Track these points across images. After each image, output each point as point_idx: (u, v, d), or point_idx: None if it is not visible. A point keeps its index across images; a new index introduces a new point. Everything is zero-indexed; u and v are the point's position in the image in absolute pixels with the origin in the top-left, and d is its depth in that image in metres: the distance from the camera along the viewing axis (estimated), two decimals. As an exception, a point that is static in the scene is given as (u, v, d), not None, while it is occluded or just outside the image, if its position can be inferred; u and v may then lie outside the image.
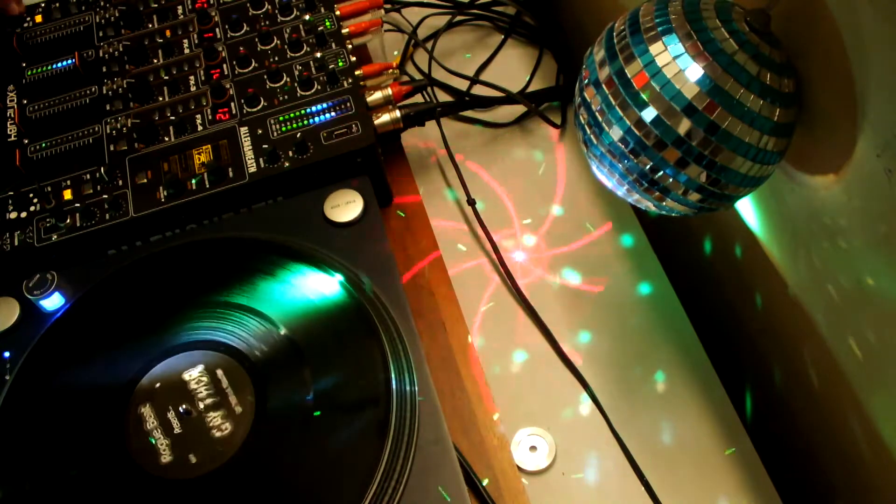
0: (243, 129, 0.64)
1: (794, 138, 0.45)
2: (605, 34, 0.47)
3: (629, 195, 0.48)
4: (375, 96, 0.67)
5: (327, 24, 0.70)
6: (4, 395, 0.53)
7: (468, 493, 0.49)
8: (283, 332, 0.54)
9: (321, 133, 0.63)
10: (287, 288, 0.56)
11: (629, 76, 0.44)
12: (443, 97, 0.80)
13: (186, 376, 0.53)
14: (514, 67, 0.82)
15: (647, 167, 0.44)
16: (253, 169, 0.62)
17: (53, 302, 0.57)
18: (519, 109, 0.78)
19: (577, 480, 0.58)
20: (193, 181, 0.62)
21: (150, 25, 0.72)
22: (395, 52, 0.83)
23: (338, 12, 0.71)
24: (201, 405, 0.52)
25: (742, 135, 0.42)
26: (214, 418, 0.51)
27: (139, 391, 0.53)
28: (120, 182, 0.63)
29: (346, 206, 0.60)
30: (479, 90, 0.80)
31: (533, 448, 0.59)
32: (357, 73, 0.67)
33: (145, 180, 0.62)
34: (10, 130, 0.66)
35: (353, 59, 0.68)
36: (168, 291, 0.58)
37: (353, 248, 0.58)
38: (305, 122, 0.64)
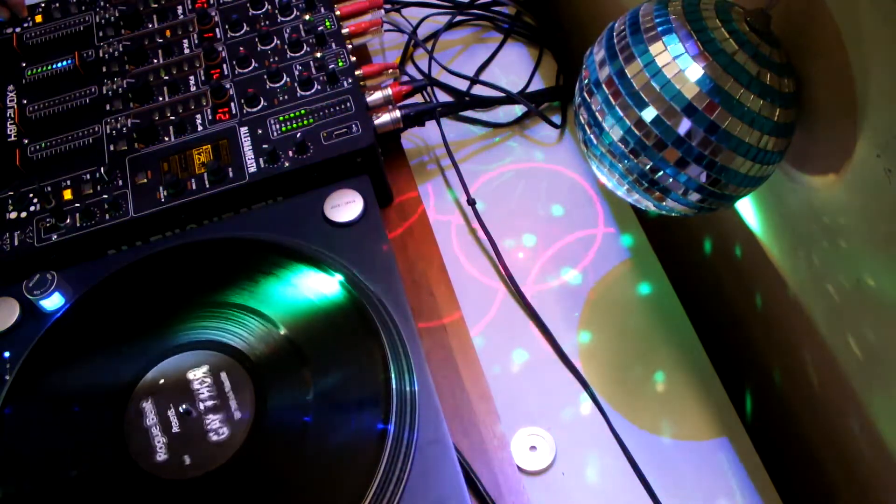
0: (243, 129, 0.64)
1: (794, 138, 0.45)
2: (605, 34, 0.47)
3: (629, 195, 0.48)
4: (375, 96, 0.67)
5: (327, 24, 0.70)
6: (4, 395, 0.53)
7: (468, 493, 0.49)
8: (283, 332, 0.54)
9: (321, 133, 0.63)
10: (287, 288, 0.56)
11: (629, 76, 0.44)
12: (443, 97, 0.80)
13: (186, 376, 0.53)
14: (514, 67, 0.82)
15: (647, 167, 0.45)
16: (253, 169, 0.62)
17: (53, 302, 0.57)
18: (519, 109, 0.78)
19: (577, 480, 0.58)
20: (193, 181, 0.62)
21: (150, 25, 0.72)
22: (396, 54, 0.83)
23: (338, 12, 0.71)
24: (202, 405, 0.51)
25: (742, 135, 0.42)
26: (215, 418, 0.51)
27: (139, 391, 0.52)
28: (120, 182, 0.63)
29: (346, 206, 0.60)
30: (479, 90, 0.80)
31: (533, 448, 0.59)
32: (357, 73, 0.67)
33: (145, 180, 0.62)
34: (10, 130, 0.66)
35: (353, 59, 0.68)
36: (168, 291, 0.58)
37: (353, 248, 0.58)
38: (305, 122, 0.64)
